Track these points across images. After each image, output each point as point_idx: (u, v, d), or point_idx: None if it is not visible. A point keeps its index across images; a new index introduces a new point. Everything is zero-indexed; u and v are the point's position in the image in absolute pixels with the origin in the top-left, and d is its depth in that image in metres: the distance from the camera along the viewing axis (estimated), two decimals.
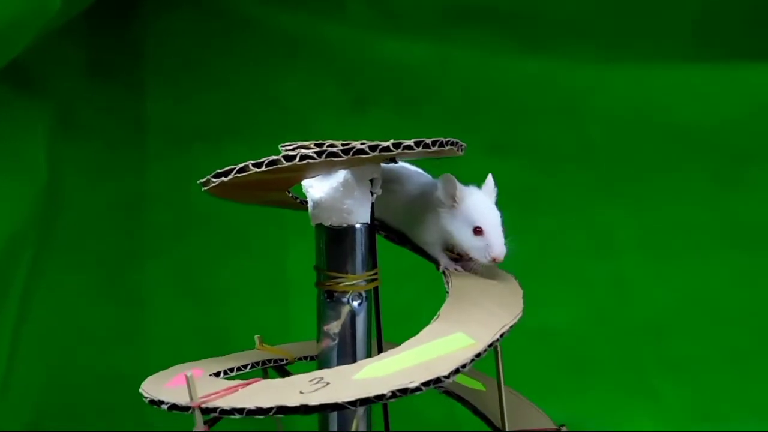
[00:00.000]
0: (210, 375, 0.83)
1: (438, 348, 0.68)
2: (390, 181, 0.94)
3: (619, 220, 1.77)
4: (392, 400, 0.61)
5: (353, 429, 0.85)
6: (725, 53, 1.77)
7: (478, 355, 0.66)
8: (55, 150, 1.62)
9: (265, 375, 0.99)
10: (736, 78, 1.77)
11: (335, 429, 0.86)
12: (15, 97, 1.54)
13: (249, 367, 0.93)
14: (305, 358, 1.02)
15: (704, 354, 1.69)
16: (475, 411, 0.98)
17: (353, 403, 0.60)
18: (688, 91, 1.78)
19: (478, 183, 1.69)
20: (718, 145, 1.76)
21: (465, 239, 0.90)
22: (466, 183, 0.96)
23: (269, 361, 0.98)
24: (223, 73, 1.83)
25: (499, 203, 1.68)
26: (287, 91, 1.81)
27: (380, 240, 0.96)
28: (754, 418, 1.62)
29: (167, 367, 0.89)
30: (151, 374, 0.84)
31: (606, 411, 1.65)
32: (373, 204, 0.87)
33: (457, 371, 0.63)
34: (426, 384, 0.61)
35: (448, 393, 1.01)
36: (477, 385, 1.03)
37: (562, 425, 0.98)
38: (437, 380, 0.62)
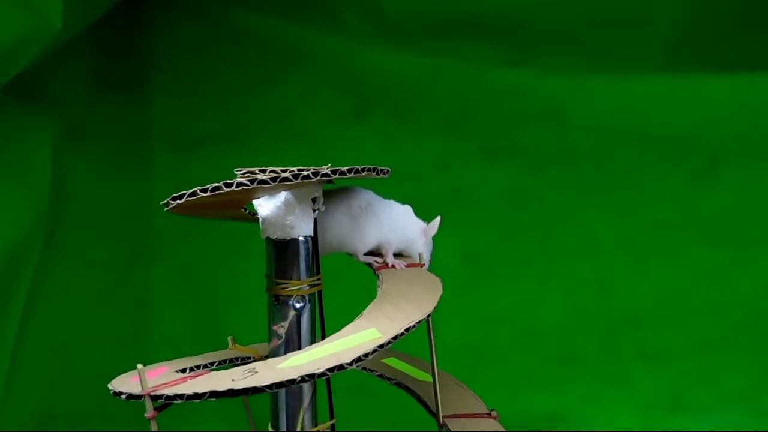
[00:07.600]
0: (176, 371, 0.94)
1: (352, 341, 0.79)
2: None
3: (600, 220, 1.85)
4: (302, 383, 0.73)
5: (300, 420, 0.97)
6: (696, 65, 1.84)
7: (381, 346, 0.78)
8: (61, 158, 1.64)
9: None
10: (707, 87, 1.83)
11: (284, 422, 0.97)
12: (20, 107, 1.56)
13: (216, 364, 1.04)
14: None
15: (679, 345, 1.77)
16: (419, 399, 1.09)
17: (269, 387, 0.72)
18: (662, 99, 1.85)
19: (474, 184, 1.79)
20: (690, 150, 1.84)
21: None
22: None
23: (238, 359, 1.10)
24: (225, 83, 1.90)
25: (493, 203, 1.78)
26: (288, 100, 1.89)
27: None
28: (725, 405, 1.71)
29: None
30: None
31: (589, 401, 1.75)
32: (315, 219, 0.98)
33: (359, 359, 0.75)
34: (330, 370, 0.74)
35: (399, 384, 1.12)
36: (425, 377, 1.12)
37: (493, 410, 1.07)
38: (340, 367, 0.74)
